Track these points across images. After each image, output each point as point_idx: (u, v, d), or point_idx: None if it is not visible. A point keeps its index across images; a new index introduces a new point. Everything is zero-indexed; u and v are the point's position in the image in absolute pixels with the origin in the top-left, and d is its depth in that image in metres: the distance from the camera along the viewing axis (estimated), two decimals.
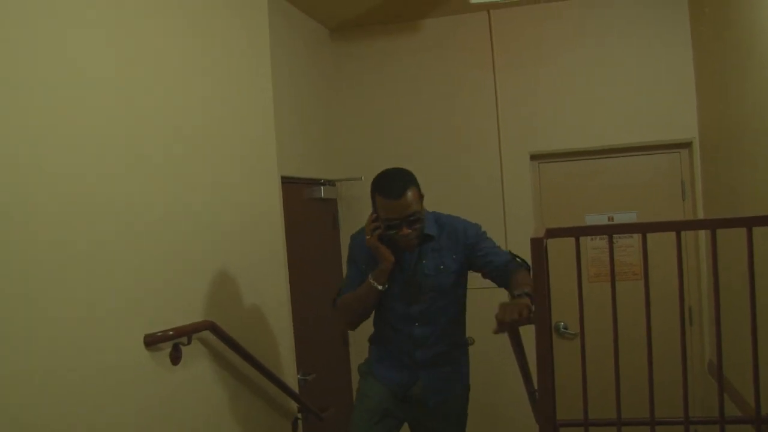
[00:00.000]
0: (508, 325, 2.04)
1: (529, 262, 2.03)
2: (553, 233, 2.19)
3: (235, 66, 2.98)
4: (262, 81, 3.21)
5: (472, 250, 2.66)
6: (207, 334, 2.51)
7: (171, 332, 2.24)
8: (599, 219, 4.47)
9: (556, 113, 4.47)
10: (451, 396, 2.80)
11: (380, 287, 2.64)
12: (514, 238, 4.43)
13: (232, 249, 2.82)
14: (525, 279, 2.37)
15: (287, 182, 3.67)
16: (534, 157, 4.56)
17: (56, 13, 1.90)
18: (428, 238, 2.67)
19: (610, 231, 2.23)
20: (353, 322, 2.80)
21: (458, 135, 4.61)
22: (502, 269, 2.59)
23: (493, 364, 4.47)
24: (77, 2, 1.99)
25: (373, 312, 2.82)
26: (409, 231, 2.54)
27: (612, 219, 4.46)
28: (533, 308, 2.04)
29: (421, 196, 2.60)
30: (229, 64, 2.93)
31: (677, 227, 2.20)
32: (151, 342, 2.18)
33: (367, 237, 2.62)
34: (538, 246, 1.87)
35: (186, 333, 2.33)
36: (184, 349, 2.34)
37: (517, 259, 2.61)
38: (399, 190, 2.49)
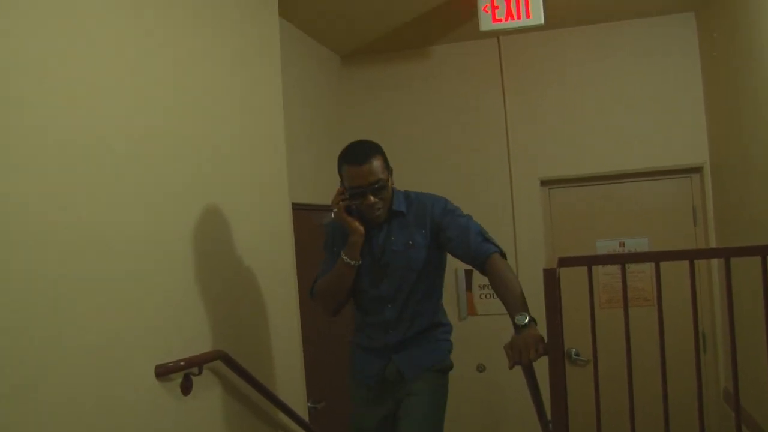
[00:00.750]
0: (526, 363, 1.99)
1: (541, 278, 1.97)
2: (565, 262, 2.18)
3: (247, 93, 3.00)
4: (274, 108, 3.22)
5: (439, 229, 2.55)
6: (218, 364, 2.49)
7: (182, 363, 2.23)
8: (610, 245, 4.44)
9: (566, 139, 4.47)
10: (429, 367, 2.60)
11: (352, 262, 2.53)
12: (525, 263, 4.42)
13: (242, 277, 2.82)
14: (517, 294, 2.23)
15: (298, 209, 3.66)
16: (544, 183, 4.55)
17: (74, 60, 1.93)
18: (398, 214, 2.58)
19: (623, 260, 2.22)
20: (331, 307, 2.65)
21: (468, 160, 4.61)
22: (470, 256, 2.47)
23: (501, 388, 4.44)
24: (89, 40, 2.02)
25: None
26: (375, 200, 2.46)
27: (623, 245, 4.43)
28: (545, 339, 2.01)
29: (388, 168, 2.53)
30: (241, 91, 2.94)
31: (691, 256, 2.19)
32: (162, 373, 2.17)
33: (334, 210, 2.54)
34: (551, 277, 1.86)
35: (197, 363, 2.31)
36: (194, 379, 2.33)
37: (490, 243, 2.47)
38: (363, 157, 2.44)
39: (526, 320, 2.08)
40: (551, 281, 1.87)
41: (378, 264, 2.58)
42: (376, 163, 2.45)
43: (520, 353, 1.98)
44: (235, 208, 2.79)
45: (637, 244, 4.40)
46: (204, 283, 2.51)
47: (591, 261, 2.18)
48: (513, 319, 2.12)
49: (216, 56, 2.76)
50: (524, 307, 2.16)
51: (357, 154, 2.45)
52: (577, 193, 4.56)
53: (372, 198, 2.45)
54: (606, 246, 4.45)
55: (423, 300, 2.61)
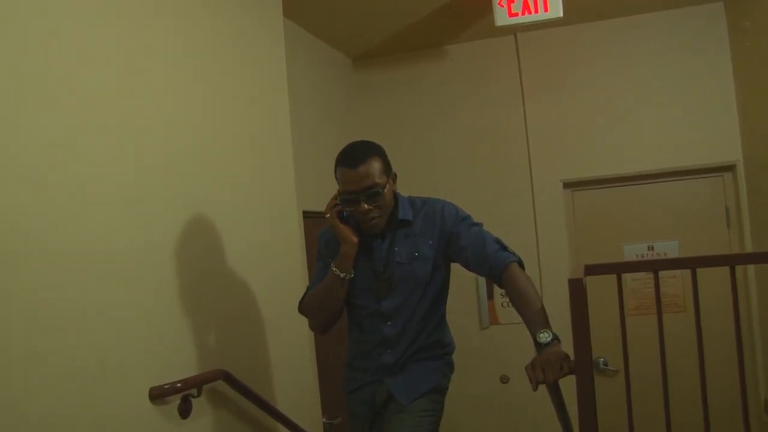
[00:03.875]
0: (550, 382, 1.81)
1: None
2: (592, 270, 2.00)
3: (252, 105, 2.88)
4: (280, 115, 3.11)
5: (451, 238, 2.32)
6: (220, 384, 2.35)
7: (179, 384, 2.10)
8: (638, 248, 4.27)
9: (590, 138, 4.32)
10: (425, 393, 2.35)
11: (343, 275, 2.29)
12: (548, 270, 4.28)
13: (247, 290, 2.68)
14: (538, 309, 2.04)
15: (309, 217, 3.56)
16: (567, 185, 4.41)
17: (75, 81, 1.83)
18: (404, 223, 2.34)
19: (655, 267, 2.03)
20: (320, 322, 2.42)
21: (487, 163, 4.49)
22: (487, 266, 2.26)
23: (526, 400, 4.25)
24: (90, 47, 1.93)
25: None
26: (369, 208, 2.21)
27: (652, 248, 4.25)
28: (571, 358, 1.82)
29: (388, 173, 2.27)
30: (246, 102, 2.83)
31: (731, 261, 2.00)
32: (158, 395, 2.04)
33: (326, 216, 2.31)
34: (577, 288, 1.67)
35: (196, 384, 2.17)
36: (194, 401, 2.18)
37: (507, 252, 2.26)
38: (357, 158, 2.19)
39: (549, 338, 1.89)
40: (578, 292, 1.69)
41: (380, 278, 2.35)
42: (374, 166, 2.21)
43: (545, 372, 1.79)
44: (238, 218, 2.66)
45: (667, 247, 4.22)
46: (204, 298, 2.38)
47: (620, 268, 2.00)
48: (534, 337, 1.93)
49: (218, 59, 2.65)
50: (546, 324, 1.96)
51: (351, 156, 2.22)
52: (601, 195, 4.39)
53: (365, 205, 2.22)
54: (633, 250, 4.27)
55: (426, 317, 2.38)
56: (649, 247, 4.27)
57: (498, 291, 4.42)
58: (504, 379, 4.42)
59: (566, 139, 4.35)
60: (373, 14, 3.89)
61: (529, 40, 4.39)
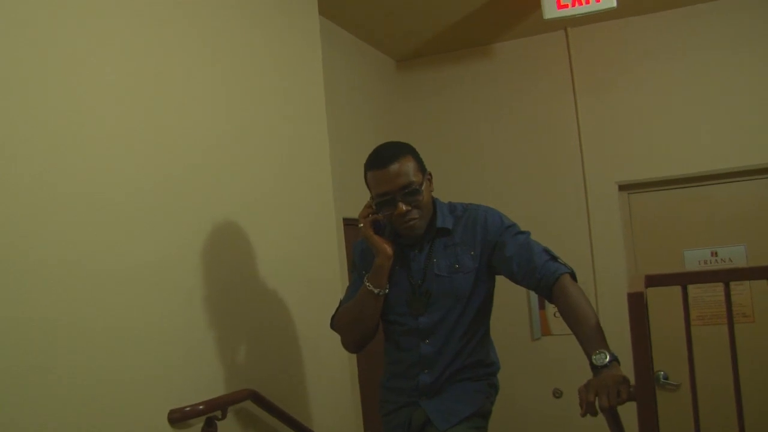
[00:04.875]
0: (607, 410, 1.60)
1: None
2: (654, 281, 1.79)
3: (286, 107, 2.78)
4: (316, 122, 3.00)
5: (495, 249, 2.13)
6: (248, 404, 2.21)
7: (201, 406, 1.98)
8: (700, 254, 4.02)
9: (647, 138, 4.10)
10: (466, 417, 2.14)
11: (377, 290, 2.13)
12: (604, 279, 4.09)
13: (281, 303, 2.56)
14: (593, 326, 1.84)
15: (350, 224, 3.46)
16: (623, 187, 4.20)
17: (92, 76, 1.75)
18: (443, 232, 2.17)
19: (726, 277, 1.81)
20: (352, 340, 2.25)
21: (537, 166, 4.33)
22: (535, 279, 2.05)
23: (586, 418, 4.02)
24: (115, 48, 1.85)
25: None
26: (407, 208, 2.05)
27: (715, 254, 3.98)
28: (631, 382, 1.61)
29: (423, 171, 2.13)
30: (279, 105, 2.72)
31: None
32: (178, 418, 1.92)
33: (360, 225, 2.15)
34: (637, 303, 1.47)
35: (220, 405, 2.05)
36: (219, 424, 2.05)
37: (558, 262, 2.05)
38: (387, 158, 2.05)
39: (607, 359, 1.68)
40: (638, 309, 1.48)
41: (417, 292, 2.16)
42: (407, 164, 2.06)
43: (600, 398, 1.58)
44: (270, 226, 2.54)
45: (732, 253, 3.95)
46: (231, 311, 2.26)
47: (686, 279, 1.78)
48: (590, 358, 1.72)
49: (248, 60, 2.56)
50: (603, 343, 1.75)
51: (380, 156, 2.07)
52: (660, 197, 4.17)
53: (403, 206, 2.05)
54: (695, 256, 4.03)
55: (467, 334, 2.17)
56: (712, 253, 4.02)
57: None
58: (557, 393, 4.21)
59: (621, 139, 4.15)
60: (416, 13, 3.78)
61: (580, 35, 4.21)
